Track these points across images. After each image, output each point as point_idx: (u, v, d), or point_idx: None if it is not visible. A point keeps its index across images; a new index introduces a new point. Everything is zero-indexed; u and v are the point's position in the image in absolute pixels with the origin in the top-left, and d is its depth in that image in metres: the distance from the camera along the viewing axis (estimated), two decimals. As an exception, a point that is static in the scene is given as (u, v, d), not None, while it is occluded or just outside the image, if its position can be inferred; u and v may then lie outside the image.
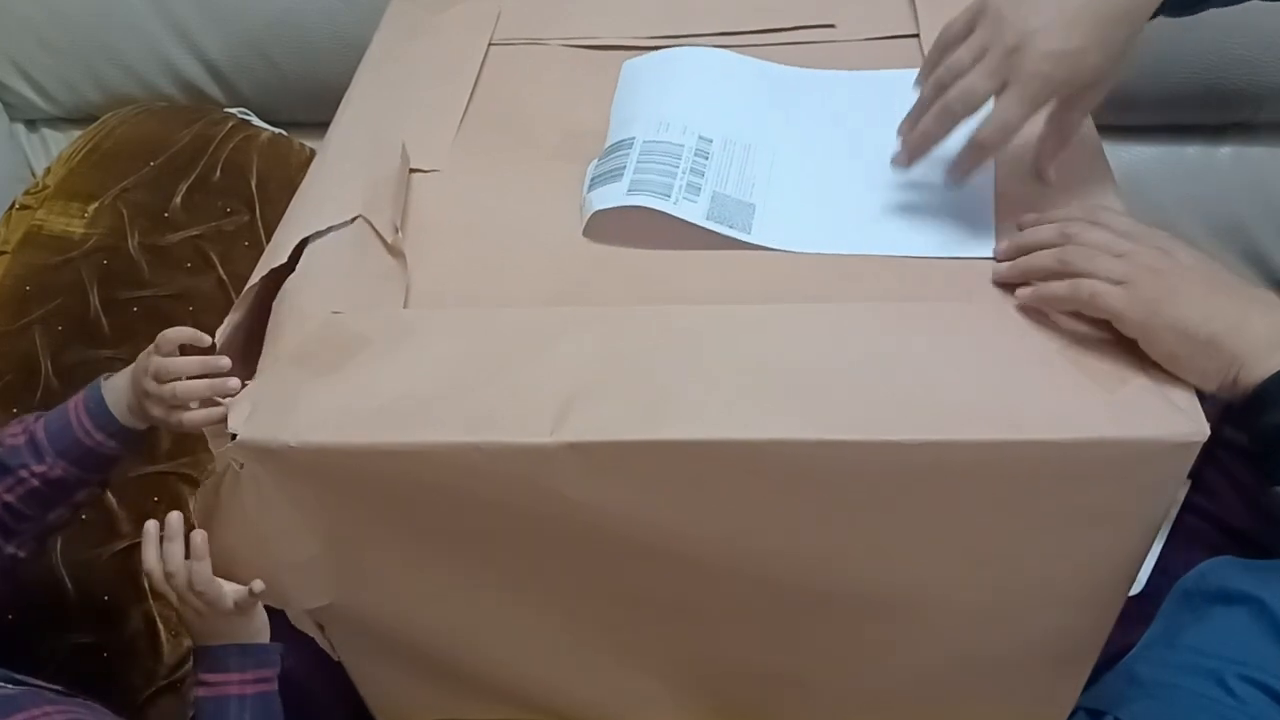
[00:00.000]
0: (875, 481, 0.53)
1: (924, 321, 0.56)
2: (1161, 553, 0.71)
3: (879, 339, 0.55)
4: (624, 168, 0.65)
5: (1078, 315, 0.55)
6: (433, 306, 0.61)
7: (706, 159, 0.66)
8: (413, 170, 0.69)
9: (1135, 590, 0.60)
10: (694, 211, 0.63)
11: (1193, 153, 1.10)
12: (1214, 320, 0.52)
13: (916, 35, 0.77)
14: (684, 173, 0.64)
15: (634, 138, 0.67)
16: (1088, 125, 0.68)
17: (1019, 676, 0.64)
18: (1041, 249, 0.57)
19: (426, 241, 0.65)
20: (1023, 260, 0.58)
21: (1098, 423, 0.51)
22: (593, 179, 0.66)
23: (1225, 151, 1.10)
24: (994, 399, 0.52)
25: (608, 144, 0.69)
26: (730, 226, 0.63)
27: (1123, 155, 1.08)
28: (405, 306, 0.60)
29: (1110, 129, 0.70)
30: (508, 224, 0.66)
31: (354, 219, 0.64)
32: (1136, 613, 0.62)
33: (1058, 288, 0.55)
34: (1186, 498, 0.74)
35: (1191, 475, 0.53)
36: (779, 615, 0.61)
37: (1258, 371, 0.51)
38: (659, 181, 0.64)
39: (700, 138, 0.67)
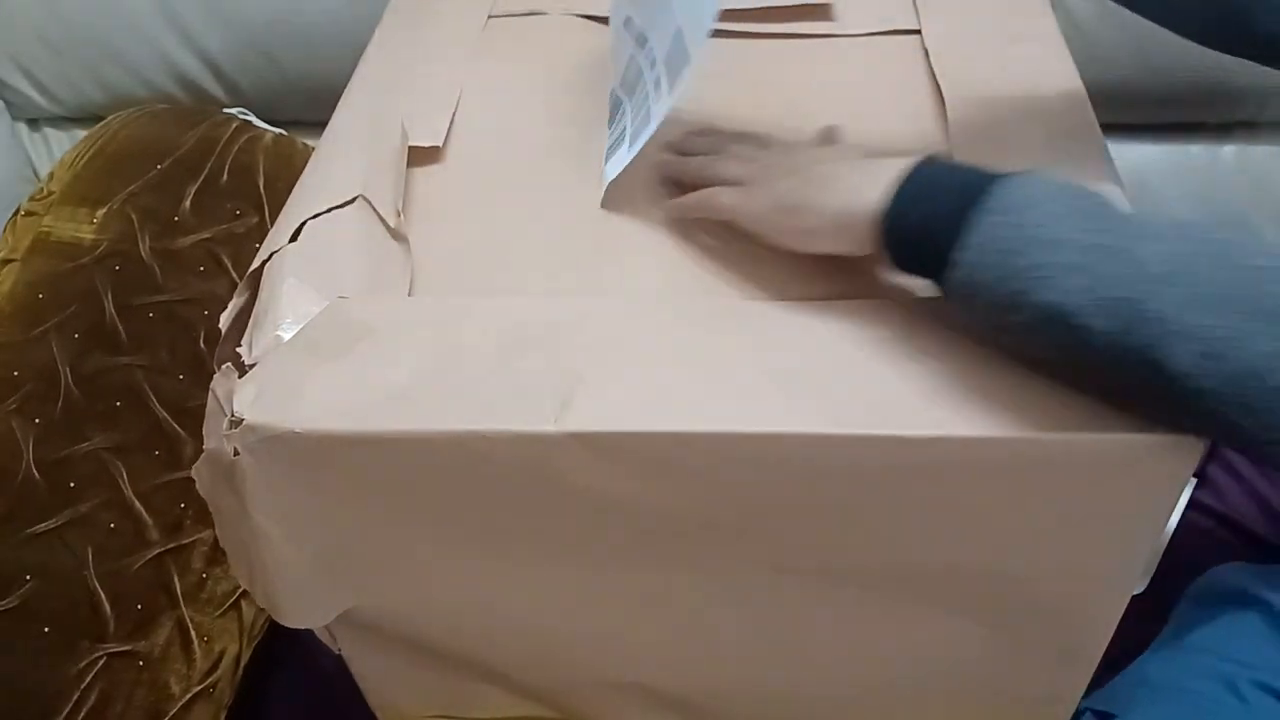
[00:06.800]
0: (878, 475, 0.53)
1: (927, 315, 0.56)
2: (1167, 551, 0.71)
3: (883, 332, 0.56)
4: (624, 129, 0.66)
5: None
6: (436, 291, 0.61)
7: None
8: (412, 148, 0.69)
9: (1139, 589, 0.60)
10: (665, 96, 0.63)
11: (1196, 151, 1.11)
12: (805, 186, 0.56)
13: (918, 31, 0.77)
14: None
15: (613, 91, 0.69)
16: (1091, 123, 0.69)
17: (1021, 674, 0.65)
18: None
19: (429, 222, 0.65)
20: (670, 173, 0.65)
21: (1101, 420, 0.51)
22: (606, 150, 0.67)
23: (1229, 150, 1.11)
24: (997, 394, 0.52)
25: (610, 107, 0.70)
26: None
27: (1126, 153, 1.08)
28: (409, 293, 0.60)
29: (1113, 127, 0.71)
30: (511, 203, 0.67)
31: (354, 199, 0.63)
32: (1140, 612, 0.63)
33: (688, 198, 0.62)
34: (1193, 496, 0.74)
35: (1197, 474, 0.53)
36: (780, 605, 0.62)
37: (860, 213, 0.53)
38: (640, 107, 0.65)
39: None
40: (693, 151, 0.66)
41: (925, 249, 0.51)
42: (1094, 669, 0.64)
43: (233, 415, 0.53)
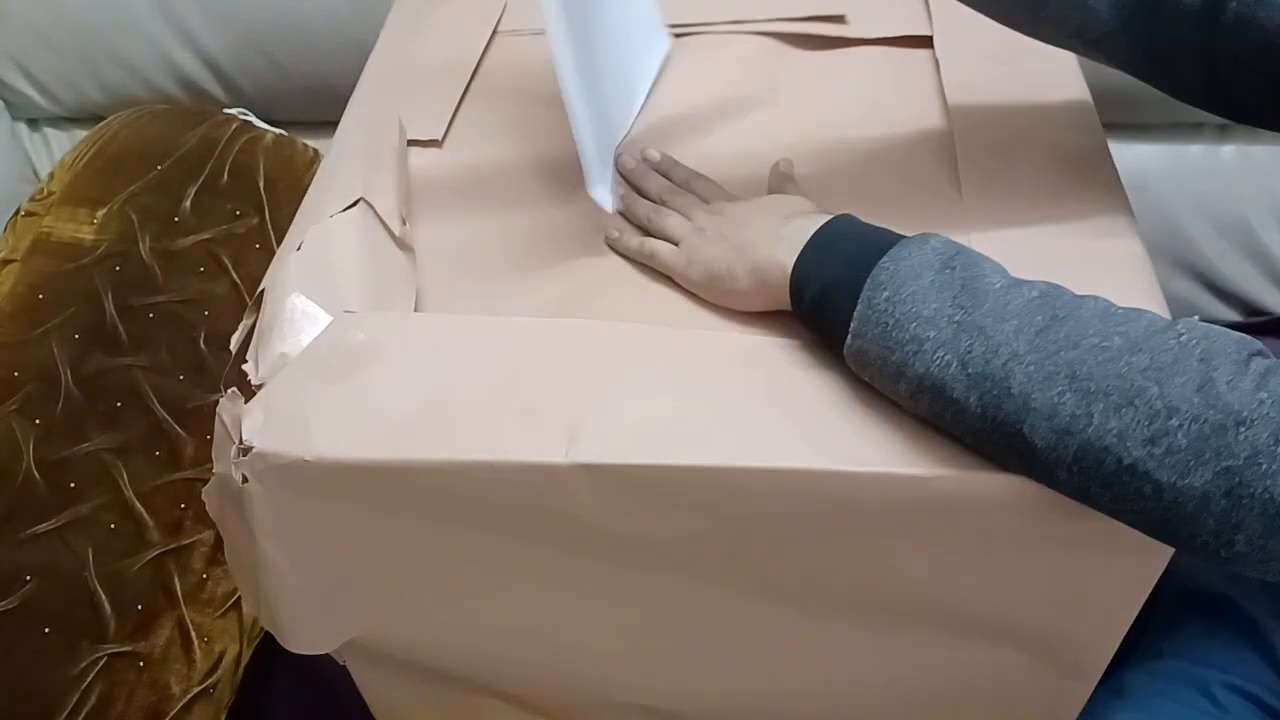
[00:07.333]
0: (887, 510, 0.53)
1: None
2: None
3: None
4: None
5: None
6: (442, 306, 0.61)
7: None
8: (413, 145, 0.69)
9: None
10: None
11: (1197, 151, 1.11)
12: (730, 254, 0.58)
13: (929, 38, 0.77)
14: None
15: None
16: (1094, 123, 0.69)
17: (1024, 690, 0.65)
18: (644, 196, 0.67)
19: (433, 233, 0.65)
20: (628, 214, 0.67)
21: None
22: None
23: (1229, 150, 1.11)
24: None
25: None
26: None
27: (1126, 154, 1.08)
28: (415, 309, 0.60)
29: (1114, 127, 0.71)
30: (516, 218, 0.67)
31: (355, 202, 0.62)
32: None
33: (630, 241, 0.64)
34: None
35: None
36: (784, 631, 0.62)
37: (777, 277, 0.55)
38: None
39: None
40: (644, 192, 0.67)
41: (824, 321, 0.54)
42: (1095, 683, 0.64)
43: (241, 443, 0.53)
